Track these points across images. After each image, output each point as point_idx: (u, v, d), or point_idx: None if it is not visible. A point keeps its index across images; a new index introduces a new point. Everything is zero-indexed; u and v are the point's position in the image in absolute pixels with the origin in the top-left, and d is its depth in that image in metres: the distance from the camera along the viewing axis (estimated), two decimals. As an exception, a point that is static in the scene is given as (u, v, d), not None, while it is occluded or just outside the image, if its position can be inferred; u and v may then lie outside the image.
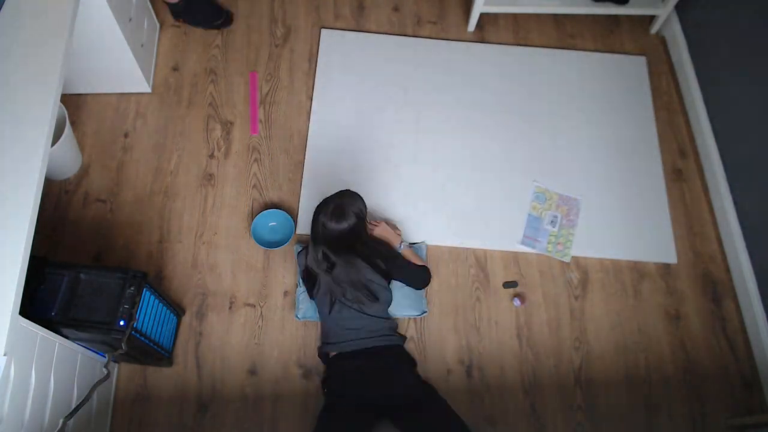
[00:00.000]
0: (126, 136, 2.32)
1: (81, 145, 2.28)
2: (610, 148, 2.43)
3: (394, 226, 2.10)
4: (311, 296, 1.94)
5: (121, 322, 1.52)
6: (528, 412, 1.97)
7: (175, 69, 2.47)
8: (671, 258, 2.23)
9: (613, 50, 2.66)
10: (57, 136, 1.97)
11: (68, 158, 2.15)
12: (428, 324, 2.08)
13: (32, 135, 1.45)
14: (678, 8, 2.59)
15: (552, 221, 2.27)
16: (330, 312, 1.83)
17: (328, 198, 1.79)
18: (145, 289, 1.62)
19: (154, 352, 1.79)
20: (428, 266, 1.99)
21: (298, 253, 2.05)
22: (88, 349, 1.67)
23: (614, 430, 1.97)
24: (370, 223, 2.04)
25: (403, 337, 1.98)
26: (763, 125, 2.08)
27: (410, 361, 1.90)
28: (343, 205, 1.74)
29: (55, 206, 2.17)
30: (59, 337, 1.50)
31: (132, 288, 1.56)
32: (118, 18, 2.01)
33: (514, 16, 2.70)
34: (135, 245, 2.13)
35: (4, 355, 1.22)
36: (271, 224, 2.17)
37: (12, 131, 1.45)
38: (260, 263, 2.14)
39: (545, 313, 2.13)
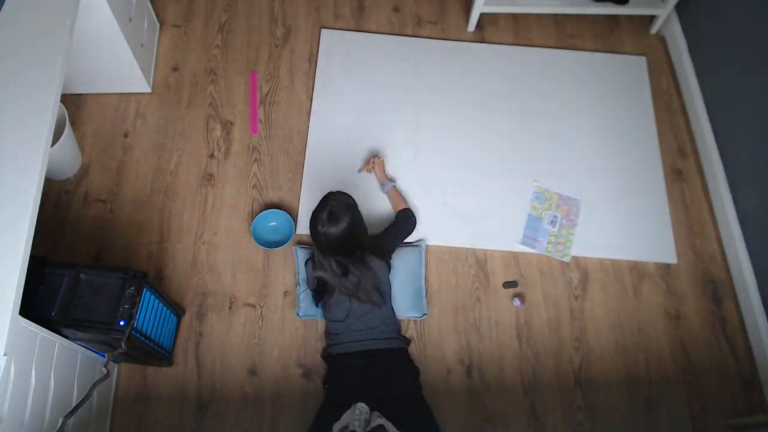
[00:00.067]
0: (126, 136, 2.32)
1: (81, 145, 2.28)
2: (610, 148, 2.43)
3: (380, 161, 2.24)
4: (318, 304, 1.93)
5: (121, 322, 1.52)
6: (528, 412, 1.97)
7: (175, 69, 2.47)
8: (671, 258, 2.23)
9: (613, 50, 2.66)
10: (57, 136, 1.97)
11: (68, 158, 2.15)
12: (428, 324, 2.08)
13: (32, 135, 1.45)
14: (678, 8, 2.58)
15: (552, 221, 2.27)
16: (347, 316, 1.85)
17: (315, 210, 1.79)
18: (145, 289, 1.63)
19: (154, 352, 1.79)
20: (409, 207, 2.15)
21: (305, 262, 2.03)
22: (88, 348, 1.68)
23: (614, 430, 1.97)
24: (366, 169, 2.24)
25: (408, 341, 2.00)
26: (763, 125, 2.08)
27: (413, 370, 1.90)
28: (333, 208, 1.75)
29: (55, 206, 2.17)
30: (59, 337, 1.50)
31: (132, 288, 1.56)
32: (118, 18, 2.01)
33: (514, 16, 2.70)
34: (135, 245, 2.13)
35: (4, 355, 1.22)
36: (271, 224, 2.17)
37: (12, 131, 1.45)
38: (260, 263, 2.14)
39: (545, 313, 2.13)
